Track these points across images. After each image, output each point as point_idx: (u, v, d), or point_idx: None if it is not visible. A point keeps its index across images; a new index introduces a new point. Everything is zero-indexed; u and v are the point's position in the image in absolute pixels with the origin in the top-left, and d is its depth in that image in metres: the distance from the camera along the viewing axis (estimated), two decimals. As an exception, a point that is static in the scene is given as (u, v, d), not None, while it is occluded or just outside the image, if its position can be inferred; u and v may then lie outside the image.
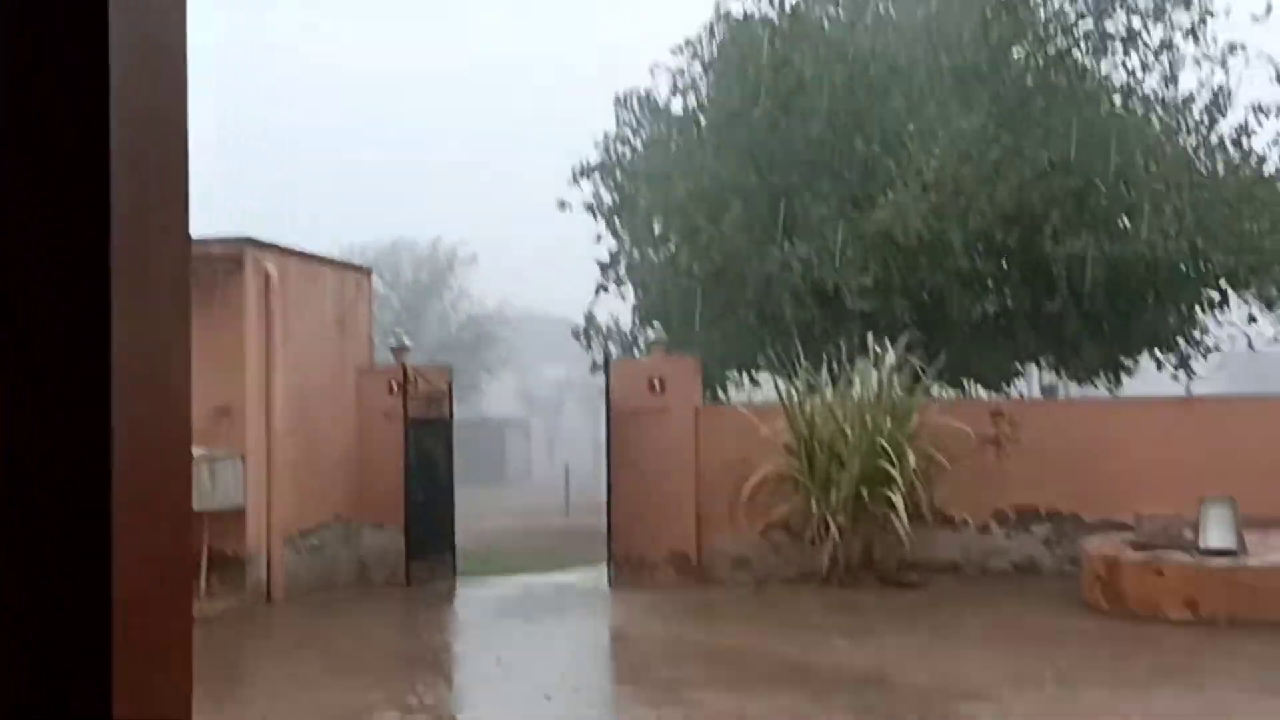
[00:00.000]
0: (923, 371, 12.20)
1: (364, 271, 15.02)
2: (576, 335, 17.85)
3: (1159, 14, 14.32)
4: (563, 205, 17.85)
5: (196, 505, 10.74)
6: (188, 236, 1.00)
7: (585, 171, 18.03)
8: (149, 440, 0.93)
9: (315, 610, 11.78)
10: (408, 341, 14.34)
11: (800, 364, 12.63)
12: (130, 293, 0.89)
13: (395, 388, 13.41)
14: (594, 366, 17.41)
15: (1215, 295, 14.60)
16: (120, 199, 0.89)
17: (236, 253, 11.80)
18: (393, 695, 8.01)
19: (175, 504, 0.97)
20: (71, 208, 0.87)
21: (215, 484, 11.26)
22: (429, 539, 13.48)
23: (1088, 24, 14.29)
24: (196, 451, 10.89)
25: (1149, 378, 16.75)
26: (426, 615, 11.63)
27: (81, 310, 0.86)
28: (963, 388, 14.75)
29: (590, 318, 17.77)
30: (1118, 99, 14.69)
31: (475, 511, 22.62)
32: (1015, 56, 13.71)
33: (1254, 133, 14.64)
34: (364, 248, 45.82)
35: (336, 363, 13.46)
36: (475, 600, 12.45)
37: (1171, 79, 14.78)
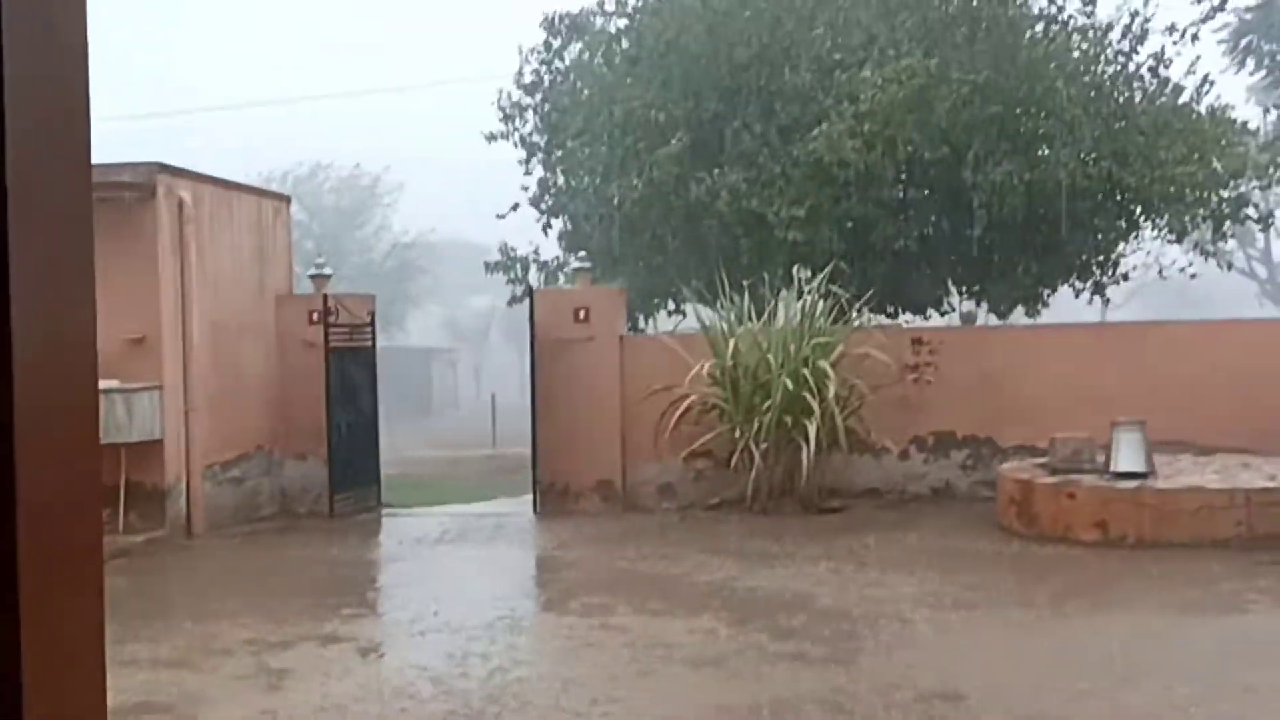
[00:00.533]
0: (847, 301, 12.32)
1: (282, 198, 14.73)
2: (494, 266, 17.71)
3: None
4: (491, 138, 17.62)
5: (113, 437, 10.57)
6: (88, 162, 0.97)
7: (511, 102, 17.80)
8: (52, 372, 0.91)
9: (236, 542, 11.70)
10: (328, 270, 14.13)
11: (726, 294, 12.69)
12: (28, 221, 0.86)
13: (316, 317, 13.23)
14: (512, 299, 17.37)
15: (1130, 223, 14.87)
16: (15, 124, 0.85)
17: (148, 179, 11.50)
18: (315, 627, 8.01)
19: (81, 436, 0.95)
20: None
21: (131, 416, 11.07)
22: (353, 470, 13.41)
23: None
24: (111, 383, 10.69)
25: (1066, 305, 17.09)
26: (349, 547, 11.61)
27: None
28: (887, 316, 14.91)
29: (505, 248, 17.64)
30: (1039, 26, 14.79)
31: (401, 443, 22.57)
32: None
33: (1170, 61, 14.86)
34: (283, 174, 44.94)
35: (255, 291, 13.24)
36: (399, 531, 12.44)
37: (1091, 5, 14.89)
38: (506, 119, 17.84)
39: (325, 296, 13.35)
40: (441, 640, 7.62)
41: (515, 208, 17.14)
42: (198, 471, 11.97)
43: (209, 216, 12.39)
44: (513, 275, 17.93)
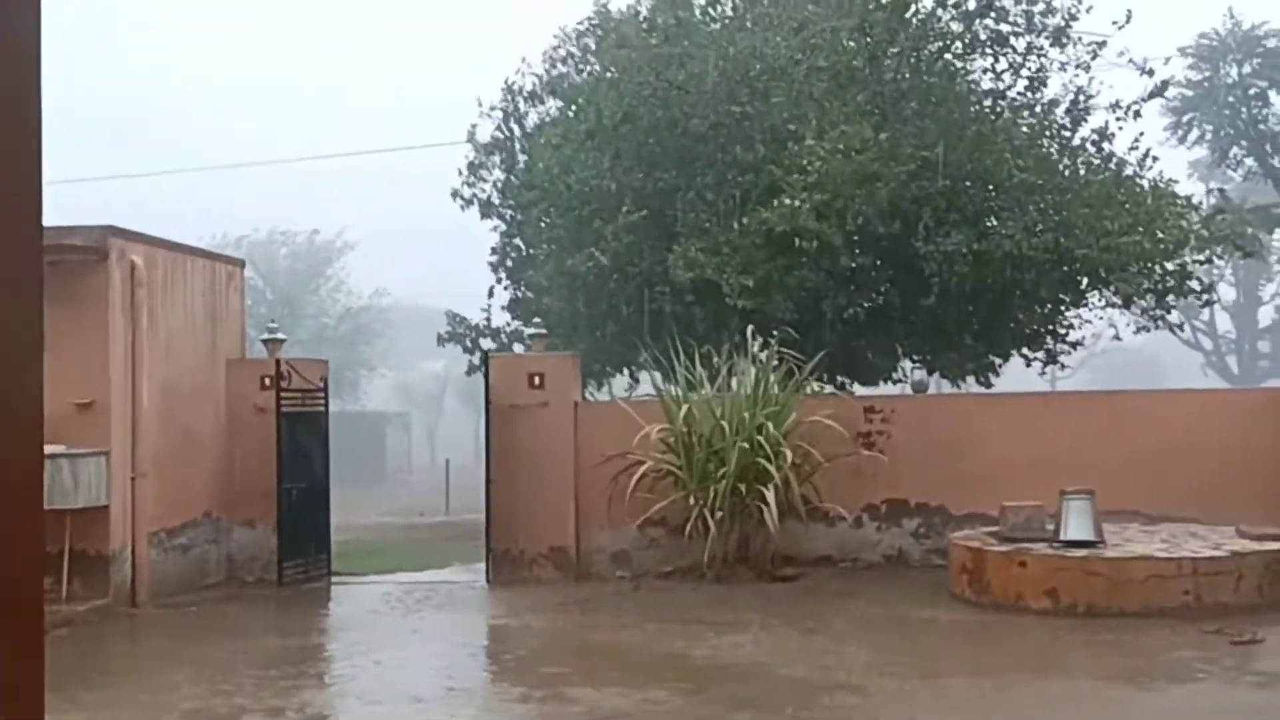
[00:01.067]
0: (800, 369, 12.40)
1: (236, 262, 14.66)
2: (446, 337, 17.82)
3: (1028, 20, 14.78)
4: (457, 197, 17.78)
5: (58, 503, 10.38)
6: (39, 227, 0.98)
7: (468, 174, 17.98)
8: None
9: (182, 611, 11.49)
10: (281, 334, 14.05)
11: (680, 361, 12.75)
12: None
13: (268, 381, 13.13)
14: (470, 368, 17.41)
15: (1078, 294, 15.13)
16: None
17: (100, 242, 11.42)
18: (261, 699, 7.86)
19: (25, 502, 0.94)
20: None
21: (77, 481, 10.90)
22: (303, 537, 13.24)
23: (959, 28, 14.68)
24: (58, 448, 10.53)
25: (1018, 374, 17.31)
26: (298, 616, 11.43)
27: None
28: (840, 385, 15.03)
29: (454, 318, 17.74)
30: (987, 102, 15.14)
31: (353, 509, 22.29)
32: (890, 59, 14.02)
33: (1113, 135, 15.24)
34: (239, 238, 44.80)
35: (207, 356, 13.13)
36: (350, 599, 12.27)
37: (1038, 83, 15.27)
38: (466, 185, 17.99)
39: (278, 361, 13.26)
40: (392, 712, 7.50)
41: (492, 291, 17.32)
42: (144, 538, 11.77)
43: (162, 280, 12.31)
44: (465, 344, 17.98)
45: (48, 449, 10.36)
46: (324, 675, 9.19)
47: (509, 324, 17.57)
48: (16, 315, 0.93)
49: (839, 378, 15.21)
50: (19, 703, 0.92)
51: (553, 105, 17.60)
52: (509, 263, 17.63)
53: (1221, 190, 27.64)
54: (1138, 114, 15.15)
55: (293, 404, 13.19)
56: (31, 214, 0.96)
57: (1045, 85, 15.20)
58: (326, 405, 13.84)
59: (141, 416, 11.76)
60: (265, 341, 13.96)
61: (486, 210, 17.95)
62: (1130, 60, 14.99)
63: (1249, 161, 27.56)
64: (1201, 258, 15.73)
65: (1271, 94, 26.82)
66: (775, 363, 12.42)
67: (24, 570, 0.95)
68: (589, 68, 16.99)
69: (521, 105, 17.93)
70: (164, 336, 12.27)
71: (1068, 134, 15.33)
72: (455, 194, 17.99)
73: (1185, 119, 27.80)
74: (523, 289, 17.20)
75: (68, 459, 10.76)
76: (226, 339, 13.54)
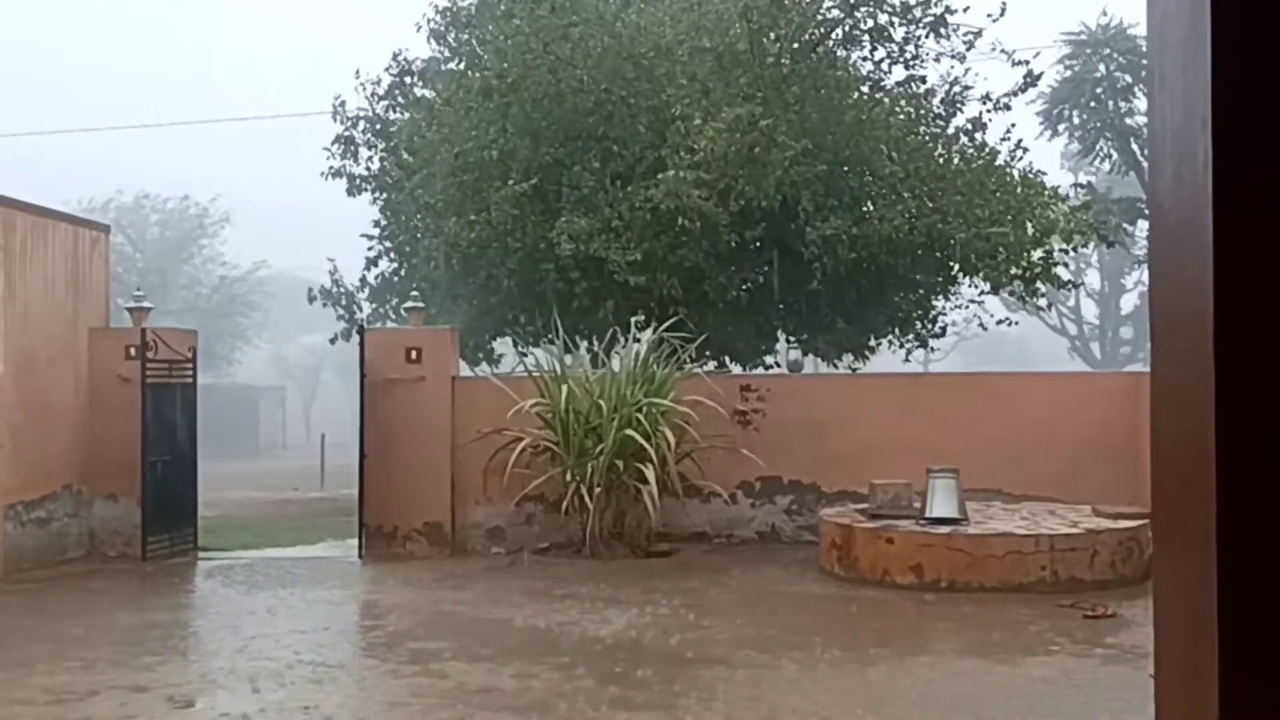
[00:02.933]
0: (680, 346, 12.49)
1: (101, 228, 14.17)
2: (326, 294, 17.53)
3: (905, 10, 15.04)
4: (330, 174, 17.42)
5: (-96, 475, 9.94)
6: None
7: (347, 137, 17.64)
8: None
9: (40, 587, 11.11)
10: (147, 303, 13.63)
11: (559, 337, 12.73)
12: None
13: (133, 351, 12.74)
14: (340, 334, 17.14)
15: (948, 278, 15.51)
16: None
17: (-45, 203, 10.94)
18: (123, 676, 7.66)
19: None
20: None
21: (-73, 452, 10.44)
22: (168, 511, 12.90)
23: (838, 15, 14.87)
24: (-95, 417, 10.07)
25: (892, 356, 17.70)
26: (162, 592, 11.15)
27: None
28: (718, 363, 15.18)
29: (336, 278, 17.49)
30: (866, 89, 15.38)
31: (224, 483, 21.81)
32: (771, 43, 14.14)
33: (986, 125, 15.62)
34: (105, 202, 43.30)
35: (68, 324, 12.68)
36: (217, 575, 12.01)
37: (915, 74, 15.57)
38: (345, 153, 17.66)
39: (144, 330, 12.87)
40: (257, 689, 7.37)
41: (375, 262, 17.03)
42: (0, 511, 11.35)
43: (20, 244, 11.85)
44: (340, 311, 17.70)
45: (-106, 418, 9.91)
46: (188, 653, 8.98)
47: (387, 296, 17.33)
48: None
49: (719, 357, 15.37)
50: None
51: (436, 73, 17.33)
52: (382, 235, 17.37)
53: (1089, 183, 28.64)
54: (1007, 107, 15.55)
55: (159, 374, 12.83)
56: None
57: (924, 77, 15.50)
58: (194, 377, 13.49)
59: (-3, 385, 11.31)
60: (130, 310, 13.54)
61: (355, 187, 17.62)
62: (1003, 51, 15.38)
63: (1115, 155, 28.53)
64: (1068, 246, 16.26)
65: (1138, 89, 27.78)
66: (655, 340, 12.48)
67: None
68: (475, 34, 16.78)
69: (402, 77, 17.66)
70: (22, 302, 11.81)
71: (943, 123, 15.66)
72: (331, 172, 17.61)
73: (1055, 111, 28.64)
74: (399, 258, 16.96)
75: (-84, 429, 10.31)
76: (90, 307, 13.09)
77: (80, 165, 49.24)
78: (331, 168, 17.68)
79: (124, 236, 40.04)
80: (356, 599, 11.19)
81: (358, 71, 17.59)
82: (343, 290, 17.68)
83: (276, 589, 11.01)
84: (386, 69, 17.64)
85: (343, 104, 17.64)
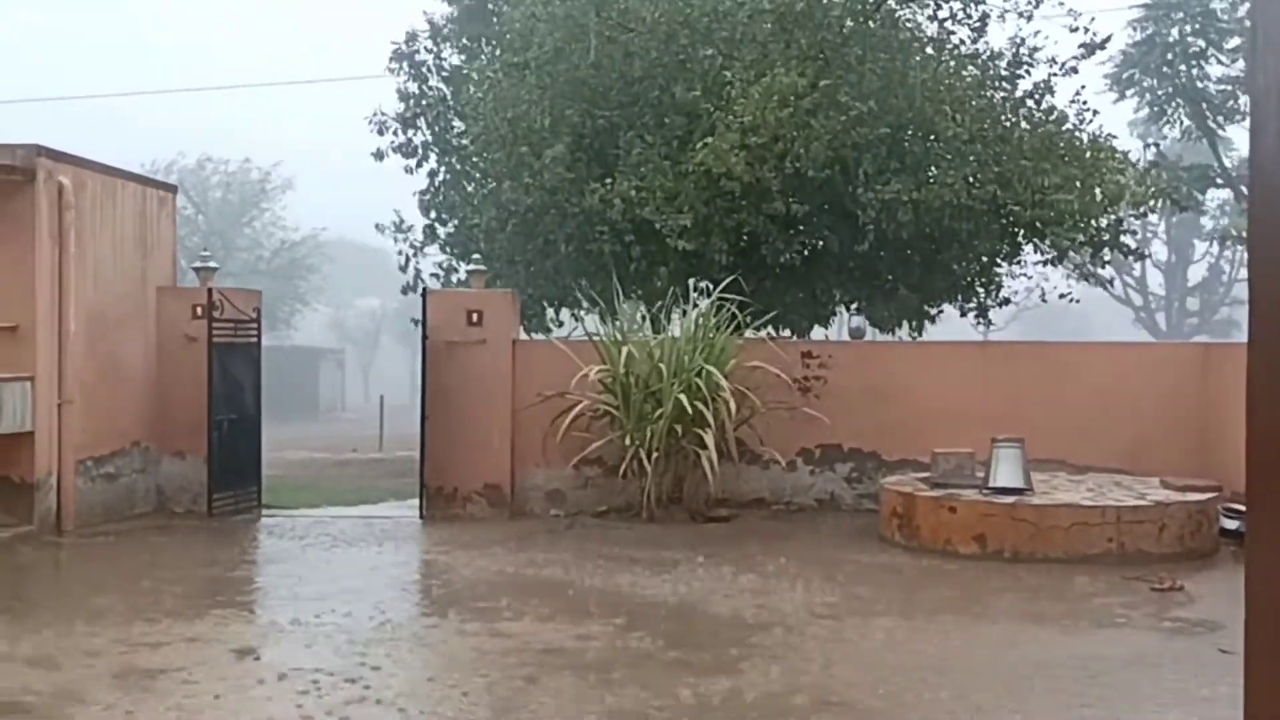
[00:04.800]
0: (738, 312, 12.42)
1: (169, 188, 14.33)
2: (398, 256, 17.72)
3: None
4: (378, 155, 17.44)
5: (-20, 429, 10.16)
6: None
7: (404, 104, 17.66)
8: None
9: (109, 540, 11.33)
10: (213, 263, 13.79)
11: (619, 301, 12.71)
12: None
13: (200, 311, 12.90)
14: (405, 288, 17.25)
15: (1013, 246, 15.28)
16: None
17: (27, 163, 11.10)
18: (188, 628, 7.78)
19: None
20: None
21: (1, 407, 10.66)
22: (233, 469, 13.09)
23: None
24: (-20, 373, 10.28)
25: (950, 325, 17.50)
26: (227, 548, 11.32)
27: None
28: (776, 328, 15.09)
29: (407, 239, 17.63)
30: (930, 50, 15.13)
31: (285, 444, 22.12)
32: (832, 3, 13.94)
33: (1054, 90, 15.33)
34: (168, 164, 43.83)
35: (137, 283, 12.86)
36: (281, 532, 12.17)
37: (981, 33, 15.29)
38: (403, 123, 17.68)
39: (210, 290, 13.02)
40: (321, 644, 7.47)
41: (433, 228, 17.14)
42: (70, 466, 11.57)
43: (91, 204, 12.00)
44: (407, 274, 17.88)
45: (-30, 373, 10.13)
46: (253, 607, 9.13)
47: (447, 260, 17.42)
48: None
49: (777, 323, 15.27)
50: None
51: (481, 38, 17.30)
52: (440, 200, 17.43)
53: (1156, 145, 28.02)
54: (1075, 70, 15.24)
55: (225, 334, 12.98)
56: None
57: (985, 34, 15.22)
58: (259, 336, 13.63)
59: (68, 342, 11.51)
60: (197, 270, 13.71)
61: (411, 152, 17.66)
62: (1070, 11, 15.06)
63: (1186, 120, 27.91)
64: (1136, 213, 15.94)
65: (1211, 54, 27.13)
66: (714, 305, 12.43)
67: None
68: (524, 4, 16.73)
69: (443, 44, 17.68)
70: (92, 262, 11.98)
71: (1009, 87, 15.38)
72: (383, 131, 17.63)
73: (1125, 75, 28.05)
74: (460, 226, 17.01)
75: (-10, 384, 10.53)
76: (157, 266, 13.26)
77: (144, 127, 49.86)
78: (385, 129, 17.75)
79: (186, 199, 40.55)
80: (417, 558, 11.30)
81: (407, 50, 17.60)
82: (409, 239, 17.88)
83: (339, 547, 11.15)
84: (430, 34, 17.66)
85: (404, 63, 17.63)
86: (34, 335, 11.15)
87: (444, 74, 17.80)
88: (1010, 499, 10.38)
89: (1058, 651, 7.35)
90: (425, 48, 17.68)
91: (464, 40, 17.33)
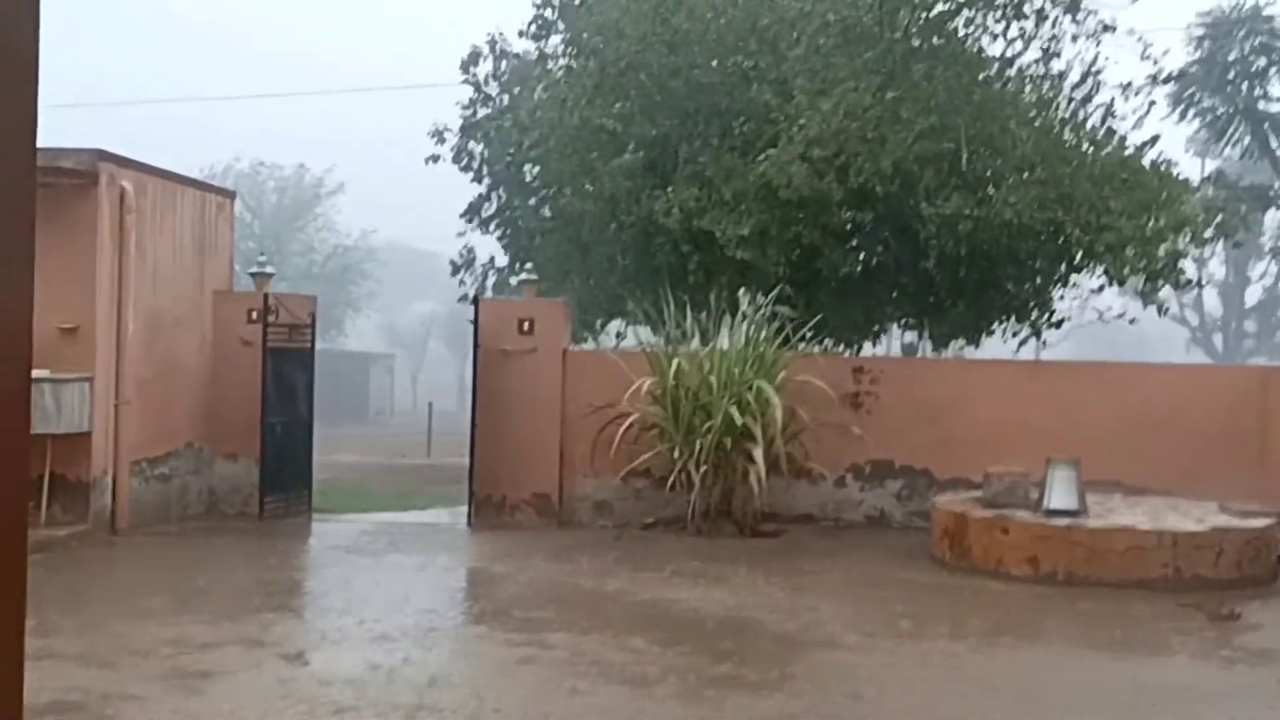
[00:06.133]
0: (791, 325, 12.36)
1: (227, 194, 14.51)
2: (458, 266, 17.78)
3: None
4: (433, 159, 17.44)
5: (40, 428, 10.30)
6: (33, 152, 0.92)
7: (462, 110, 17.69)
8: None
9: (162, 541, 11.45)
10: (270, 268, 13.94)
11: (670, 312, 12.68)
12: None
13: (255, 315, 13.02)
14: (462, 298, 17.26)
15: (1070, 267, 15.10)
16: None
17: (90, 167, 11.27)
18: (238, 630, 7.84)
19: (11, 425, 0.90)
20: None
21: (60, 406, 10.81)
22: (284, 473, 13.19)
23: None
24: (41, 373, 10.44)
25: (1001, 343, 17.29)
26: (278, 550, 11.40)
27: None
28: (828, 342, 15.00)
29: (465, 250, 17.68)
30: (995, 68, 15.00)
31: (334, 447, 22.27)
32: (900, 17, 13.85)
33: (1116, 114, 15.14)
34: (225, 169, 44.39)
35: (194, 286, 13.01)
36: (330, 537, 12.25)
37: (1049, 54, 15.14)
38: (463, 133, 17.66)
39: (266, 295, 13.15)
40: (369, 650, 7.49)
41: (473, 229, 17.13)
42: (125, 466, 11.71)
43: (151, 208, 12.17)
44: (462, 281, 17.95)
45: (32, 373, 10.26)
46: (302, 610, 9.18)
47: (503, 270, 17.45)
48: (7, 237, 0.87)
49: (828, 337, 15.17)
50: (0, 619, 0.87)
51: (549, 44, 17.29)
52: (495, 207, 17.44)
53: (1219, 172, 27.60)
54: (1147, 100, 15.10)
55: (279, 339, 13.10)
56: (25, 135, 0.90)
57: (1058, 55, 15.07)
58: (313, 342, 13.75)
59: (126, 344, 11.66)
60: (253, 275, 13.85)
61: (469, 158, 17.56)
62: (1140, 39, 14.87)
63: (1247, 140, 27.46)
64: (1197, 244, 15.70)
65: (1272, 73, 26.68)
66: (767, 318, 12.37)
67: (9, 492, 0.90)
68: (591, 16, 16.71)
69: (514, 47, 17.68)
70: (151, 265, 12.14)
71: (1074, 108, 15.21)
72: (440, 139, 17.53)
73: (1186, 94, 27.66)
74: (511, 233, 17.04)
75: (51, 383, 10.68)
76: (214, 270, 13.41)
77: (202, 130, 50.55)
78: (443, 138, 17.77)
79: (241, 203, 41.10)
80: (465, 566, 11.32)
81: (472, 56, 17.61)
82: (473, 259, 17.92)
83: (388, 552, 11.19)
84: (492, 45, 17.69)
85: (473, 70, 17.60)
86: (93, 336, 11.30)
87: (504, 80, 17.82)
88: (1065, 521, 10.23)
89: (1111, 680, 7.22)
90: (502, 51, 17.69)
91: (535, 48, 17.32)
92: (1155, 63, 14.99)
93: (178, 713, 6.12)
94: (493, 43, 17.69)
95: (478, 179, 17.35)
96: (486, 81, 17.62)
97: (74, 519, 11.15)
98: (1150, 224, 13.82)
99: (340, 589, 9.55)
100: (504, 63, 17.75)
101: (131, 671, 6.83)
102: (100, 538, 11.23)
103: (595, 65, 14.65)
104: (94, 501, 11.32)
